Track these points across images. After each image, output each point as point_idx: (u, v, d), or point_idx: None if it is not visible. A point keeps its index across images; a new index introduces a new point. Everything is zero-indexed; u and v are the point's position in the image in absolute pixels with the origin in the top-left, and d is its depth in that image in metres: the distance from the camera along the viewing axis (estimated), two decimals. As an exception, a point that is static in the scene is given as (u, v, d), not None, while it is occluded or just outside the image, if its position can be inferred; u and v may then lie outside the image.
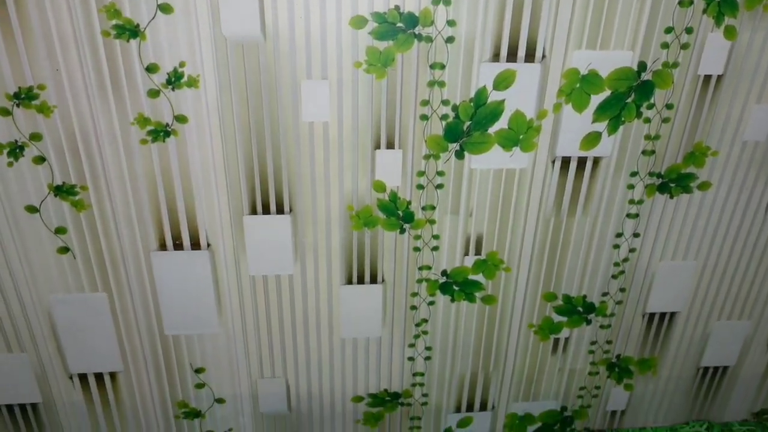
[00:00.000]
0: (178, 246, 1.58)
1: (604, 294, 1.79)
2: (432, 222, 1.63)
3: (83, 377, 1.74)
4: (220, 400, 1.82)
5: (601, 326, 1.85)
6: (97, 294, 1.62)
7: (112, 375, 1.75)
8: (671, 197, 1.67)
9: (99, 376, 1.75)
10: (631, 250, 1.73)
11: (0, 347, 1.66)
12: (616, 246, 1.72)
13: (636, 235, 1.71)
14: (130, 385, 1.76)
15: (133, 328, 1.68)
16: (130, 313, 1.66)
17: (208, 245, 1.59)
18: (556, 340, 1.86)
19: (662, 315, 1.86)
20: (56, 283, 1.59)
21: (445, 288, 1.72)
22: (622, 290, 1.79)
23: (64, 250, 1.55)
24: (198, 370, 1.77)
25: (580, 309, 1.81)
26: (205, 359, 1.75)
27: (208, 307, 1.67)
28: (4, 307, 1.60)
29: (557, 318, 1.81)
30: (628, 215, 1.68)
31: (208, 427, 1.87)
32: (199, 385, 1.79)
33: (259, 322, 1.71)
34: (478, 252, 1.68)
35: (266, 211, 1.56)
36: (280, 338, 1.74)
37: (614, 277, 1.77)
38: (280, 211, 1.57)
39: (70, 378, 1.74)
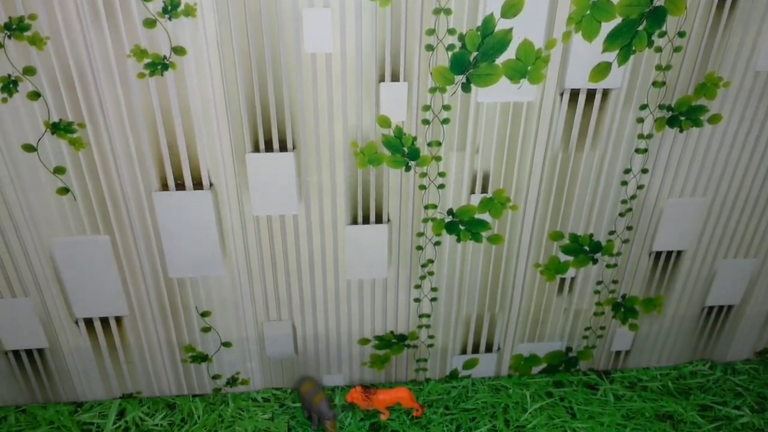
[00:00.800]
0: (180, 186, 1.56)
1: (611, 232, 1.78)
2: (438, 159, 1.60)
3: (89, 322, 1.73)
4: (226, 344, 1.83)
5: (608, 266, 1.84)
6: (99, 236, 1.60)
7: (118, 319, 1.74)
8: (681, 131, 1.63)
9: (105, 321, 1.74)
10: (639, 187, 1.71)
11: (3, 292, 1.65)
12: (624, 182, 1.69)
13: (644, 170, 1.68)
14: (136, 329, 1.76)
15: (137, 271, 1.66)
16: (134, 256, 1.64)
17: (211, 185, 1.56)
18: (562, 280, 1.85)
19: (669, 254, 1.85)
20: (57, 225, 1.57)
21: (451, 227, 1.71)
22: (629, 228, 1.78)
23: (64, 190, 1.52)
24: (204, 314, 1.76)
25: (587, 248, 1.80)
26: (211, 302, 1.74)
27: (212, 249, 1.65)
28: (6, 251, 1.59)
29: (563, 257, 1.80)
30: (637, 150, 1.65)
31: (215, 371, 1.88)
32: (206, 329, 1.79)
33: (264, 264, 1.69)
34: (484, 190, 1.66)
35: (269, 148, 1.53)
36: (285, 280, 1.73)
37: (621, 215, 1.75)
38: (283, 148, 1.54)
39: (76, 323, 1.73)
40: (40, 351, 1.77)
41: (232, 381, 1.90)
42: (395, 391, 1.79)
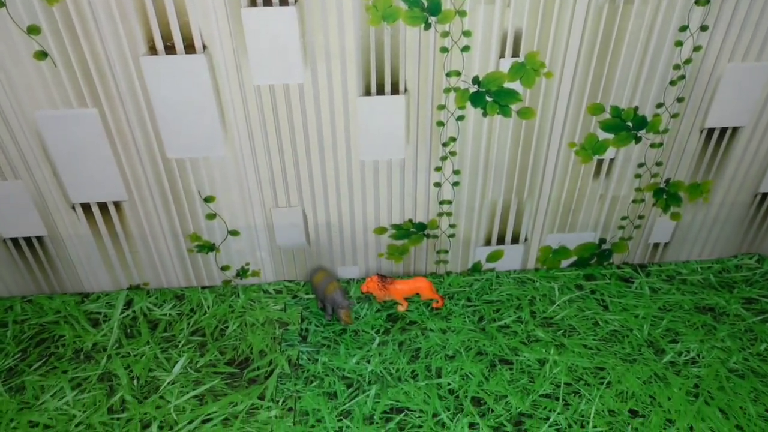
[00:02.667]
0: (169, 49, 1.38)
1: (659, 105, 1.57)
2: (462, 14, 1.38)
3: (86, 208, 1.63)
4: (233, 233, 1.71)
5: (652, 145, 1.64)
6: (86, 110, 1.45)
7: (117, 205, 1.63)
8: (752, -23, 1.38)
9: (103, 207, 1.63)
10: (696, 49, 1.48)
11: (-8, 173, 1.54)
12: (679, 43, 1.46)
13: (703, 28, 1.44)
14: (137, 216, 1.65)
15: (131, 150, 1.53)
16: (126, 132, 1.50)
17: (204, 47, 1.39)
18: (600, 162, 1.66)
19: (723, 131, 1.64)
20: (40, 97, 1.42)
21: (476, 99, 1.52)
22: (680, 100, 1.56)
23: (42, 55, 1.36)
24: (207, 199, 1.64)
25: (630, 124, 1.59)
26: (214, 187, 1.61)
27: (211, 124, 1.49)
28: (-12, 126, 1.46)
29: (603, 135, 1.61)
30: (697, 2, 1.40)
31: (223, 262, 1.78)
32: (210, 216, 1.67)
33: (268, 142, 1.54)
34: (515, 53, 1.45)
35: (267, 2, 1.33)
36: (293, 160, 1.58)
37: (672, 83, 1.53)
38: (283, 1, 1.34)
39: (73, 208, 1.62)
40: (40, 239, 1.68)
41: (242, 272, 1.81)
42: (414, 281, 1.68)
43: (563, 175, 1.68)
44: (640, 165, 1.68)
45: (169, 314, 1.71)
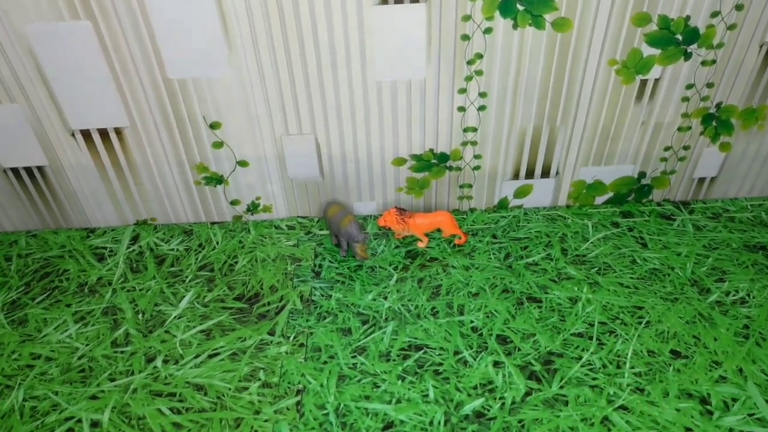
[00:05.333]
0: (165, -50, 1.25)
1: (714, 14, 1.38)
2: None
3: (87, 135, 1.53)
4: (242, 163, 1.60)
5: (703, 62, 1.46)
6: (79, 22, 1.34)
7: (118, 132, 1.53)
8: None
9: (104, 134, 1.53)
10: (762, -56, 1.29)
11: (-15, 95, 1.45)
12: (742, -63, 1.27)
13: None
14: (140, 144, 1.55)
15: (130, 69, 1.41)
16: (123, 48, 1.38)
17: (203, -52, 1.25)
18: (643, 83, 1.50)
19: (786, 46, 1.45)
20: (29, 8, 1.31)
21: (506, 8, 1.36)
22: (739, 8, 1.38)
23: (27, -42, 1.25)
24: (213, 125, 1.52)
25: (679, 37, 1.42)
26: (219, 111, 1.50)
27: (214, 37, 1.37)
28: (-23, 42, 1.36)
29: (648, 51, 1.44)
30: None
31: (233, 196, 1.68)
32: (217, 144, 1.56)
33: (276, 59, 1.41)
34: (551, -48, 1.28)
35: None
36: (303, 81, 1.45)
37: (732, -13, 1.35)
38: None
39: (73, 135, 1.53)
40: (41, 169, 1.59)
41: (253, 207, 1.71)
42: (435, 214, 1.56)
43: (602, 98, 1.51)
44: (689, 86, 1.50)
45: (177, 249, 1.63)
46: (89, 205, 1.67)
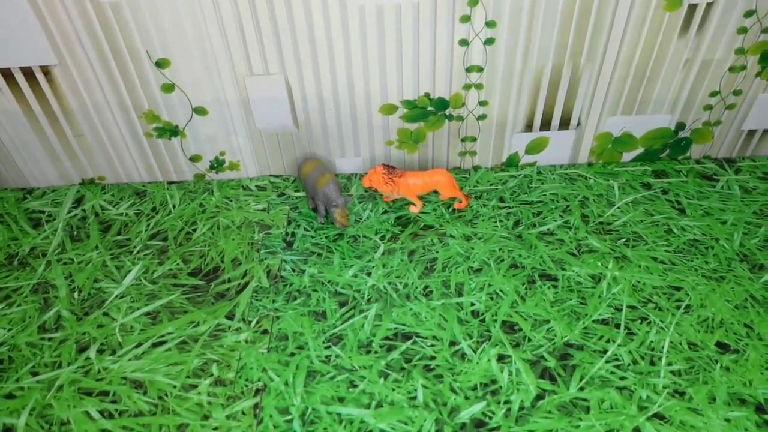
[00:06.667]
0: None
1: None
2: None
3: (8, 76, 1.26)
4: (200, 111, 1.34)
5: (770, -18, 1.16)
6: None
7: (46, 71, 1.26)
8: None
9: (29, 74, 1.26)
10: None
11: None
12: None
13: None
14: (74, 86, 1.28)
15: (49, -10, 1.13)
16: (36, -38, 1.10)
17: None
18: (691, 9, 1.20)
19: None
20: None
21: None
22: None
23: None
24: (160, 63, 1.25)
25: (743, -53, 1.11)
26: (167, 46, 1.22)
27: (149, -50, 1.08)
28: None
29: (701, -34, 1.14)
30: None
31: (192, 151, 1.42)
32: (167, 87, 1.29)
33: (231, -22, 1.12)
34: None
35: None
36: (267, 7, 1.16)
37: None
38: None
39: (-9, 76, 1.26)
40: (-40, 118, 1.34)
41: (217, 165, 1.45)
42: (431, 173, 1.30)
43: (638, 28, 1.22)
44: (749, 14, 1.21)
45: (126, 214, 1.38)
46: (23, 162, 1.42)
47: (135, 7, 1.16)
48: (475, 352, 1.04)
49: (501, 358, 1.03)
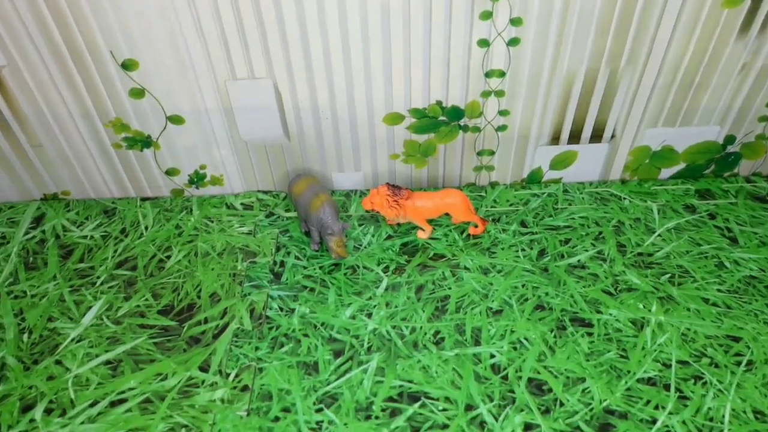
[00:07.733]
0: None
1: None
2: None
3: (-50, 77, 1.08)
4: (175, 119, 1.15)
5: None
6: None
7: (-7, 73, 1.08)
8: None
9: (-26, 76, 1.08)
10: None
11: None
12: None
13: None
14: (26, 89, 1.10)
15: (-12, -23, 0.95)
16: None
17: None
18: (755, 6, 1.01)
19: None
20: None
21: None
22: None
23: None
24: (126, 65, 1.06)
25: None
26: (133, 43, 1.03)
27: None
28: None
29: (772, -47, 0.95)
30: None
31: (168, 164, 1.24)
32: (137, 93, 1.11)
33: (206, -37, 0.94)
34: None
35: None
36: (251, 1, 0.98)
37: None
38: None
39: (-71, 78, 1.08)
40: None
41: (198, 179, 1.27)
42: (442, 195, 1.12)
43: (689, 27, 1.03)
44: (822, 11, 1.02)
45: (91, 237, 1.20)
46: (-24, 174, 1.24)
47: (95, 1, 0.97)
48: (496, 419, 0.86)
49: (528, 427, 0.85)
